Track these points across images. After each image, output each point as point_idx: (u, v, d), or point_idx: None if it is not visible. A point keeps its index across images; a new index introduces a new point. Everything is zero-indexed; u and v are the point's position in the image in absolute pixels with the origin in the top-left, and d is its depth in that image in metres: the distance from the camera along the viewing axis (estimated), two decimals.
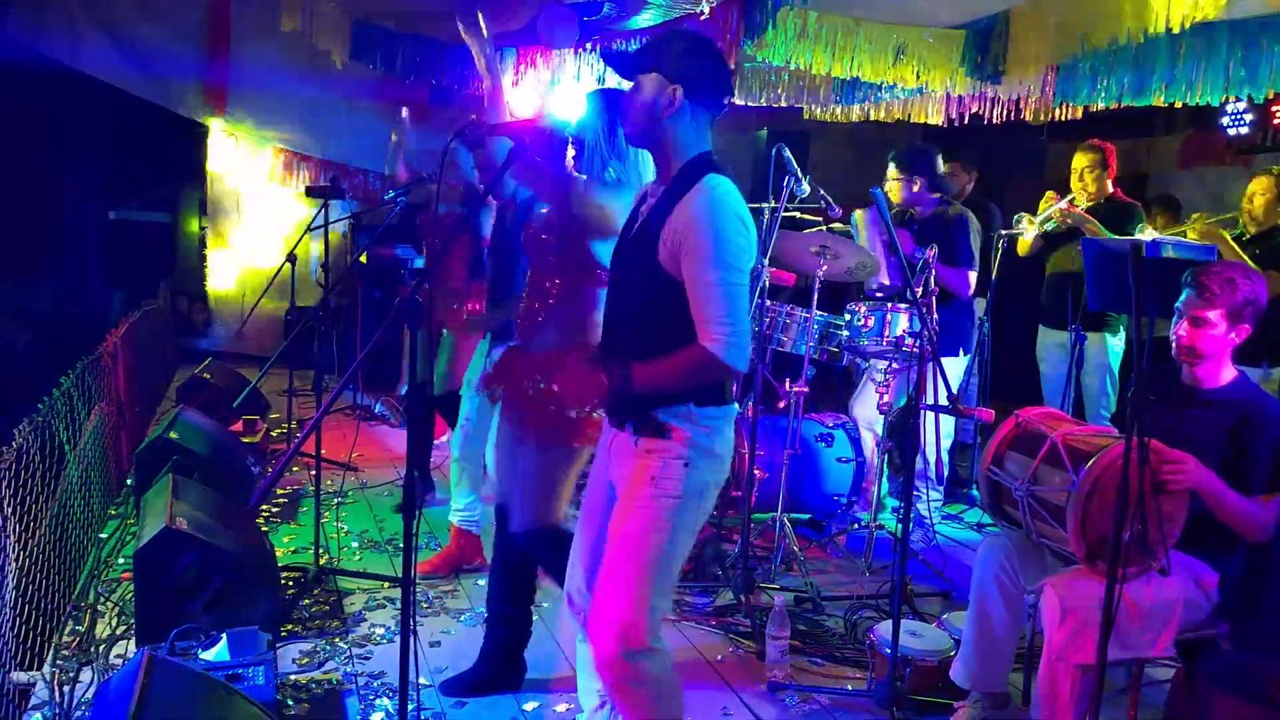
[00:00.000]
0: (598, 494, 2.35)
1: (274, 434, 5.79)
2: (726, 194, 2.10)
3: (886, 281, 4.22)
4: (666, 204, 2.13)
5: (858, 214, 4.44)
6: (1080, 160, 4.68)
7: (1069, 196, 4.60)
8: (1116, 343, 4.64)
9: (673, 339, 2.10)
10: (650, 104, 2.13)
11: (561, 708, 2.93)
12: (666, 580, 2.19)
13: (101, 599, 3.46)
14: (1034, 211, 4.67)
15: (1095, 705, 2.16)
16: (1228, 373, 2.65)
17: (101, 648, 3.09)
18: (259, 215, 8.41)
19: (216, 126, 8.16)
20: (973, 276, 4.41)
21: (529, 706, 2.93)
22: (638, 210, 2.28)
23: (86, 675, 2.92)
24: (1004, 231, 4.87)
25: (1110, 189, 4.68)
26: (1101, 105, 4.38)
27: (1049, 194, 4.66)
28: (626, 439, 2.20)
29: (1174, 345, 2.65)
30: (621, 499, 2.21)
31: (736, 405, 2.29)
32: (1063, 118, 4.68)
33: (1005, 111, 4.72)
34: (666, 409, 2.14)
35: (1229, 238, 4.07)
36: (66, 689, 2.76)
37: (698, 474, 2.17)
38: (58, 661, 3.01)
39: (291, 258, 4.76)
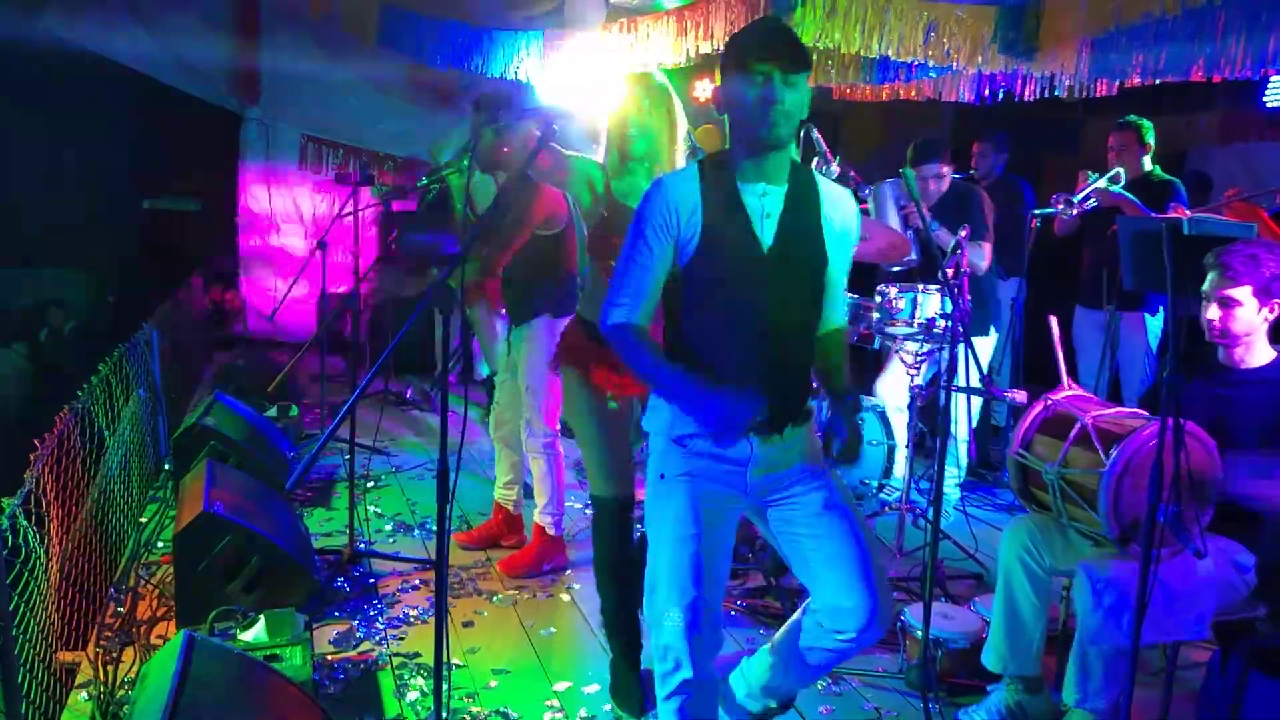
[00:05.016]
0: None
1: (307, 419, 5.86)
2: None
3: (913, 256, 4.17)
4: (810, 198, 2.19)
5: (882, 188, 4.37)
6: (1117, 138, 4.60)
7: (1109, 173, 4.52)
8: (1155, 323, 4.57)
9: (816, 329, 2.27)
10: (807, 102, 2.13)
11: (593, 688, 2.95)
12: None
13: (142, 581, 3.53)
14: (1070, 191, 4.59)
15: (1130, 688, 2.14)
16: (1266, 352, 2.61)
17: (143, 629, 3.15)
18: (290, 202, 8.47)
19: (247, 114, 8.22)
20: (988, 249, 4.35)
21: (560, 687, 2.95)
22: (752, 208, 2.15)
23: (129, 655, 2.98)
24: (1038, 211, 4.80)
25: (1148, 166, 4.59)
26: (1138, 81, 4.30)
27: (1086, 172, 4.58)
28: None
29: (1207, 330, 2.61)
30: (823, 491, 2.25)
31: None
32: (1098, 94, 4.60)
33: (1039, 88, 4.64)
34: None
35: (1265, 214, 3.99)
36: (110, 668, 2.82)
37: None
38: (101, 642, 3.07)
39: (323, 244, 4.81)
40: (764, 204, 2.14)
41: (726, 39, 2.21)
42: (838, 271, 2.25)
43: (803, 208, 2.18)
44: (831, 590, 2.19)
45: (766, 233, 2.14)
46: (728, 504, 2.23)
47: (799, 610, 2.34)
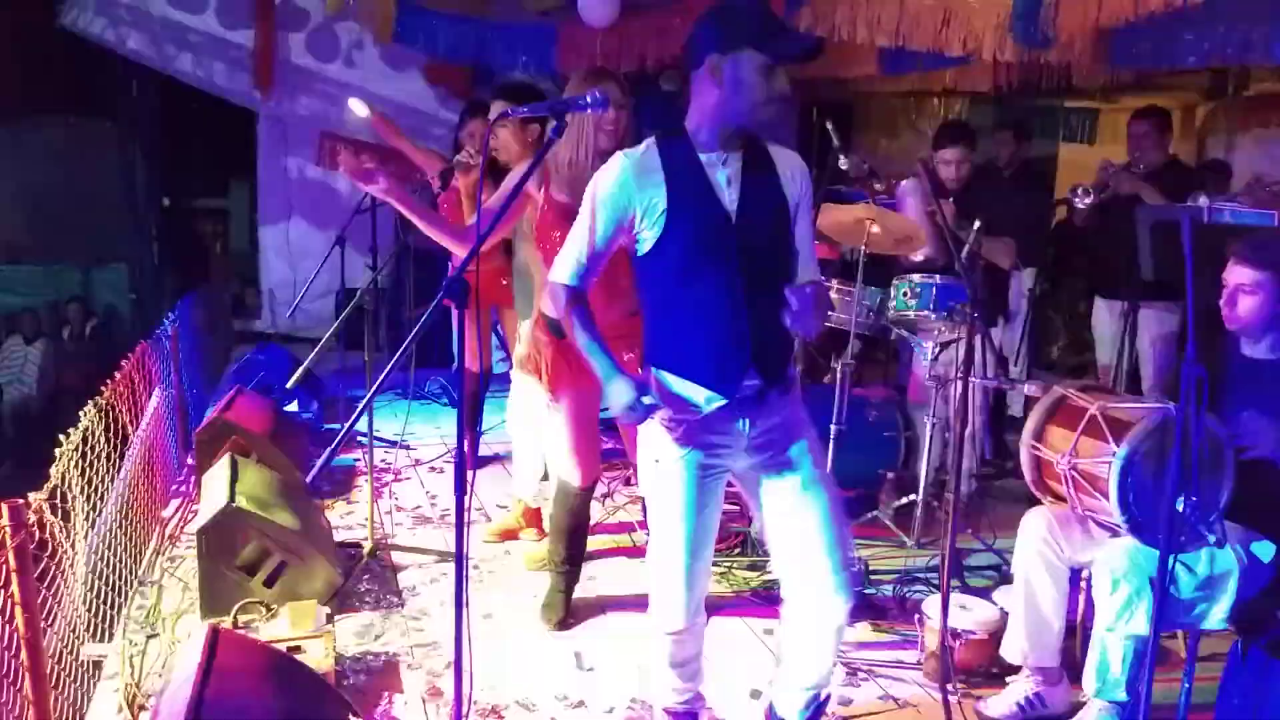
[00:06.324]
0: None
1: (327, 413, 5.89)
2: None
3: (930, 253, 4.15)
4: (765, 162, 2.23)
5: (904, 184, 4.36)
6: (1136, 126, 4.56)
7: (1126, 161, 4.48)
8: (1174, 312, 4.53)
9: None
10: None
11: (614, 678, 2.97)
12: None
13: (166, 575, 3.57)
14: (1089, 179, 4.56)
15: (1149, 678, 2.14)
16: None
17: (167, 621, 3.20)
18: (308, 198, 8.51)
19: (264, 111, 8.26)
20: (1009, 242, 4.32)
21: (580, 676, 2.97)
22: (715, 178, 2.19)
23: (154, 648, 3.03)
24: (1055, 200, 4.77)
25: (1169, 154, 4.55)
26: (1157, 68, 4.26)
27: (1104, 160, 4.55)
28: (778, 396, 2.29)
29: (1226, 319, 2.60)
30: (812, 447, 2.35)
31: None
32: (1117, 82, 4.57)
33: (1056, 77, 4.61)
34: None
35: None
36: (136, 661, 2.87)
37: None
38: (127, 635, 3.12)
39: (341, 239, 4.82)
40: (725, 172, 2.19)
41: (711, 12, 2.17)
42: (803, 230, 2.31)
43: (761, 173, 2.22)
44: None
45: (731, 201, 2.18)
46: (718, 473, 2.33)
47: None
